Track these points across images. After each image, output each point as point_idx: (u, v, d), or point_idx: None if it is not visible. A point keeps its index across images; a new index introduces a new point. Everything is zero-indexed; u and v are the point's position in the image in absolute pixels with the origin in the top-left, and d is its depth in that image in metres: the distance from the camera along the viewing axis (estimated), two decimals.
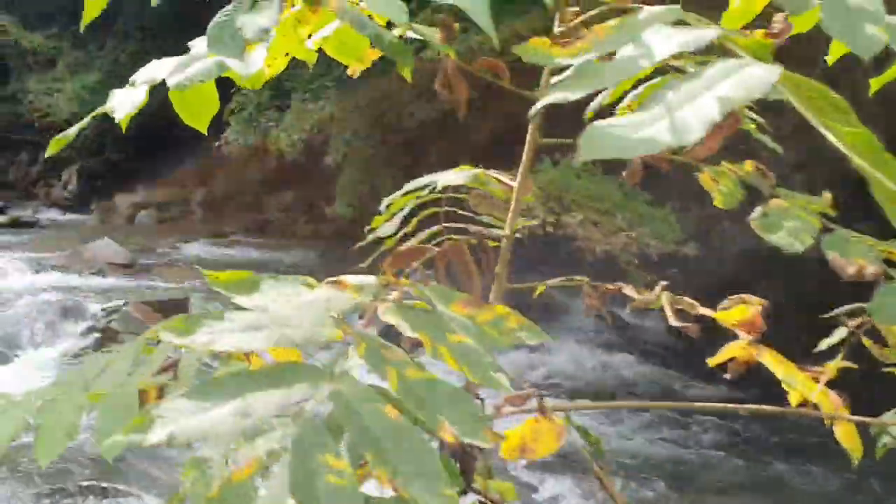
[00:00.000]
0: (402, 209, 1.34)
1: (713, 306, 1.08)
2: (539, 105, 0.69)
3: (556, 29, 0.99)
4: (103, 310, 6.75)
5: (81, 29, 1.08)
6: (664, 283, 1.13)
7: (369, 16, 0.86)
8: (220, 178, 13.26)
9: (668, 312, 1.13)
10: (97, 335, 6.24)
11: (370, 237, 1.30)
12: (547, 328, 0.80)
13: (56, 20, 16.75)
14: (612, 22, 0.79)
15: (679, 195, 4.44)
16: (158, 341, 1.03)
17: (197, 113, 1.14)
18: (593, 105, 1.23)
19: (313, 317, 0.77)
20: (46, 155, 1.18)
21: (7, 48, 14.34)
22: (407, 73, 0.89)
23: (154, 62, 1.02)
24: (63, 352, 6.07)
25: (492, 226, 1.23)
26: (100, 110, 1.01)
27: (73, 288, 7.63)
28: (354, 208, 7.30)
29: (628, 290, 1.17)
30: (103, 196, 13.33)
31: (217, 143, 9.03)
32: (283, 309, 0.80)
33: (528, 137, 1.11)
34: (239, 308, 0.83)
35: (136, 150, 14.02)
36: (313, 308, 0.79)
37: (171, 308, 6.84)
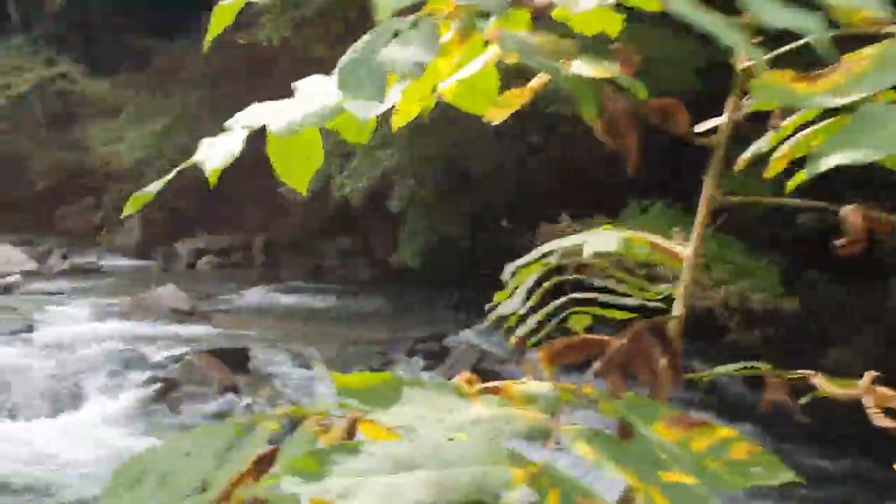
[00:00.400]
0: (528, 279, 1.14)
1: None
2: (820, 167, 0.49)
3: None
4: (165, 359, 6.68)
5: (205, 49, 0.91)
6: (874, 373, 0.91)
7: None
8: (279, 224, 13.29)
9: (873, 411, 0.90)
10: (159, 385, 6.15)
11: (492, 316, 1.11)
12: None
13: (120, 68, 17.22)
14: (867, 51, 0.60)
15: (770, 244, 4.18)
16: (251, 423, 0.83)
17: (297, 167, 0.95)
18: (749, 153, 1.03)
19: (480, 448, 0.57)
20: (125, 213, 1.00)
21: (71, 95, 14.75)
22: (591, 115, 0.70)
23: (255, 105, 0.86)
24: (126, 402, 5.99)
25: (626, 294, 1.04)
26: (188, 163, 0.85)
27: (135, 336, 7.59)
28: (422, 257, 7.14)
29: (819, 381, 0.95)
30: (165, 242, 13.46)
31: (279, 189, 8.99)
32: (436, 431, 0.61)
33: (705, 191, 0.90)
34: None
35: (198, 197, 14.19)
36: (478, 432, 0.60)
37: (232, 357, 6.76)
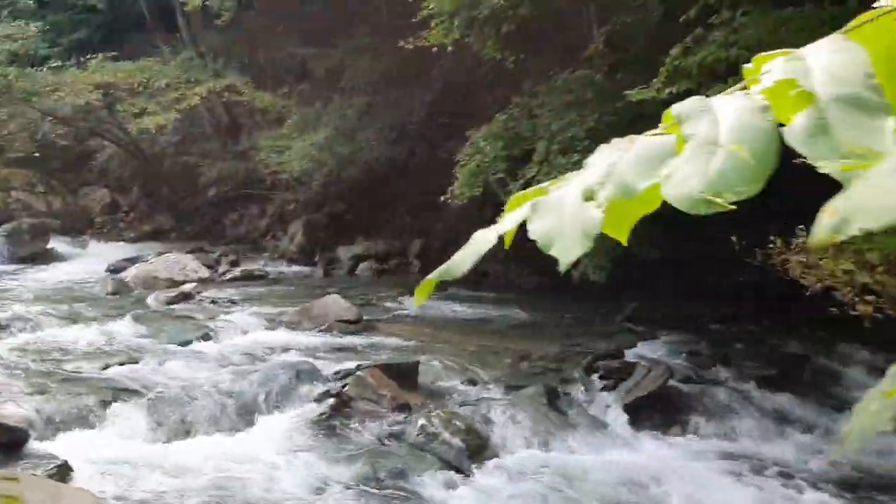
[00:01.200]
0: None
1: None
2: None
3: None
4: (335, 373, 6.53)
5: None
6: None
7: None
8: (437, 229, 13.12)
9: None
10: (332, 401, 5.98)
11: None
12: None
13: (281, 78, 17.67)
14: None
15: None
16: None
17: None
18: None
19: None
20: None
21: (238, 106, 15.22)
22: None
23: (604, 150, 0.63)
24: (298, 418, 5.85)
25: None
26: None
27: (305, 347, 7.53)
28: (607, 271, 6.65)
29: None
30: (326, 248, 13.60)
31: (442, 198, 8.73)
32: None
33: None
34: None
35: (356, 203, 14.29)
36: None
37: (401, 372, 6.52)
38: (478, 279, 11.49)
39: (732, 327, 8.51)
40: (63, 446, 5.17)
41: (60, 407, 5.72)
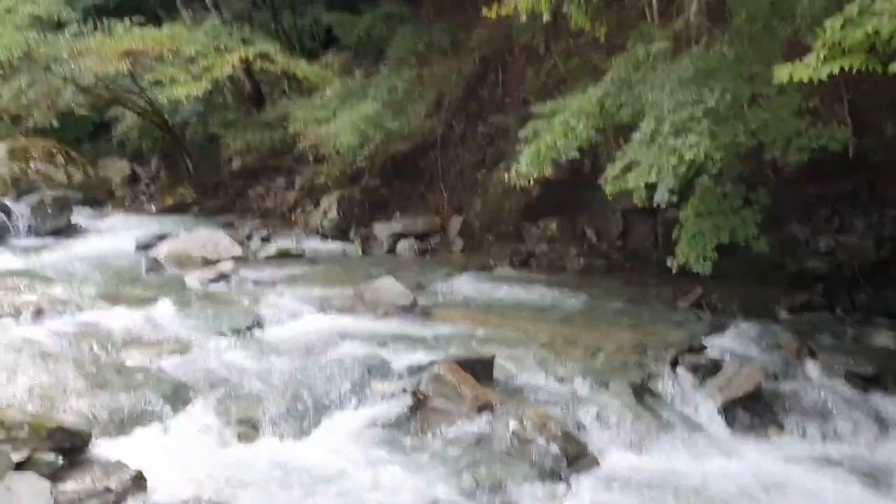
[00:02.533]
0: None
1: None
2: None
3: None
4: (407, 368, 6.12)
5: None
6: None
7: None
8: (476, 206, 12.66)
9: None
10: (408, 400, 5.57)
11: None
12: None
13: (307, 44, 17.07)
14: None
15: None
16: None
17: None
18: None
19: None
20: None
21: (269, 75, 14.66)
22: None
23: None
24: (372, 418, 5.44)
25: None
26: None
27: (363, 335, 7.11)
28: (713, 262, 6.19)
29: None
30: (360, 224, 13.14)
31: (507, 175, 8.24)
32: None
33: None
34: None
35: (390, 178, 13.80)
36: None
37: (478, 367, 6.11)
38: (525, 259, 11.09)
39: (808, 316, 8.08)
40: (129, 450, 4.77)
41: (120, 403, 5.32)
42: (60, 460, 4.45)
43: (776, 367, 6.52)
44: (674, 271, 6.39)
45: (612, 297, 8.84)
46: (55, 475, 4.34)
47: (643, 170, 5.65)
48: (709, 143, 5.14)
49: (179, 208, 15.64)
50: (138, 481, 4.36)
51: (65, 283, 8.92)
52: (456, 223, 12.59)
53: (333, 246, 12.60)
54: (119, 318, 7.54)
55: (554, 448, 4.92)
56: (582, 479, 4.78)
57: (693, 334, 7.28)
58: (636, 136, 5.94)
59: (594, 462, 4.96)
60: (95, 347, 6.55)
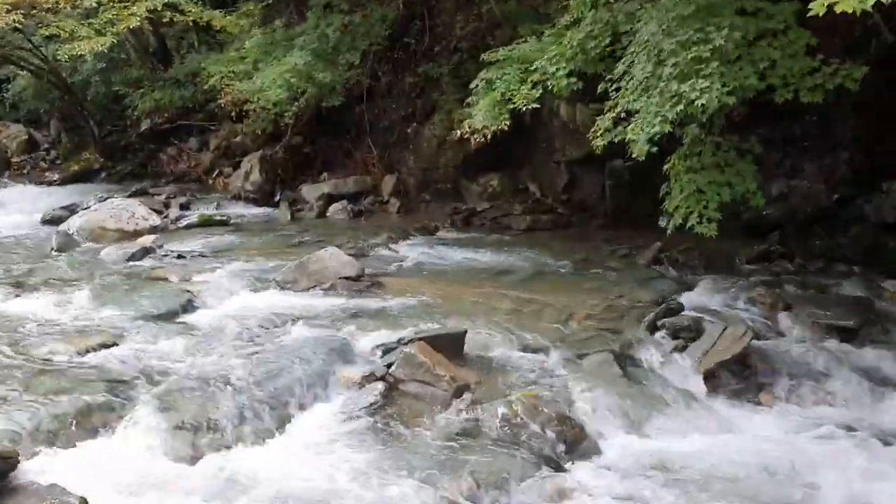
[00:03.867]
0: None
1: None
2: None
3: None
4: (373, 349, 5.55)
5: None
6: None
7: None
8: (409, 163, 12.06)
9: None
10: (379, 386, 5.02)
11: None
12: None
13: None
14: None
15: None
16: None
17: None
18: None
19: None
20: None
21: (179, 28, 13.56)
22: None
23: None
24: (342, 411, 4.87)
25: None
26: None
27: (314, 313, 6.50)
28: (717, 223, 5.74)
29: None
30: (286, 186, 12.37)
31: (459, 133, 7.65)
32: None
33: None
34: None
35: (314, 135, 13.00)
36: None
37: (448, 344, 5.59)
38: (466, 218, 10.61)
39: (772, 267, 7.87)
40: (66, 470, 4.07)
41: (49, 412, 4.57)
42: None
43: (755, 325, 6.24)
44: (668, 232, 5.98)
45: (567, 255, 8.44)
46: None
47: (644, 119, 5.12)
48: (719, 88, 4.68)
49: (85, 175, 14.48)
50: None
51: None
52: (389, 182, 11.98)
53: (259, 211, 11.84)
54: (33, 307, 6.72)
55: (550, 434, 4.49)
56: (584, 467, 4.35)
57: (662, 293, 6.95)
58: (628, 82, 5.43)
59: (594, 447, 4.55)
60: (9, 344, 5.73)
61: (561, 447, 4.44)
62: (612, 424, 4.82)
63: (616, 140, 5.82)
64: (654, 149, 5.49)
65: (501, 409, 4.65)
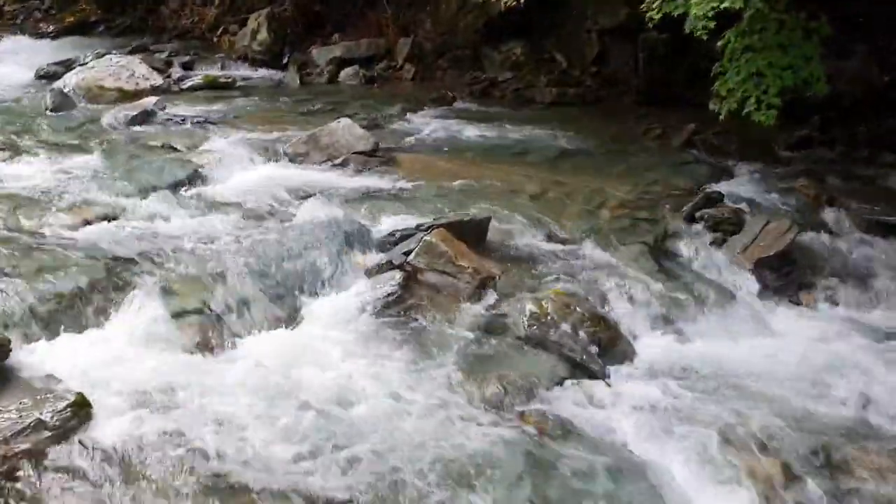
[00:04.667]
0: None
1: None
2: None
3: None
4: (389, 234, 5.17)
5: None
6: None
7: None
8: (426, 25, 11.28)
9: None
10: (397, 276, 4.66)
11: None
12: None
13: None
14: None
15: None
16: None
17: None
18: None
19: None
20: None
21: None
22: None
23: None
24: (357, 301, 4.53)
25: None
26: None
27: (325, 190, 6.08)
28: (777, 110, 5.19)
29: None
30: (295, 48, 11.65)
31: None
32: None
33: None
34: None
35: None
36: None
37: (470, 231, 5.20)
38: (485, 89, 9.98)
39: (813, 154, 7.36)
40: (61, 360, 3.78)
41: (44, 292, 4.23)
42: None
43: (795, 218, 5.82)
44: (721, 117, 5.44)
45: (595, 134, 7.92)
46: None
47: None
48: None
49: (81, 28, 13.69)
50: (79, 409, 3.40)
51: None
52: (404, 46, 11.24)
53: (266, 73, 11.19)
54: (26, 174, 6.32)
55: (582, 334, 4.16)
56: (619, 373, 4.05)
57: (697, 180, 6.51)
58: None
59: (629, 350, 4.23)
60: (1, 214, 5.34)
61: (594, 349, 4.13)
62: (647, 324, 4.51)
63: (675, 13, 5.18)
64: (713, 24, 4.91)
65: (529, 307, 4.31)
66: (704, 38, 5.01)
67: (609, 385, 3.93)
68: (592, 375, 3.98)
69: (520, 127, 8.19)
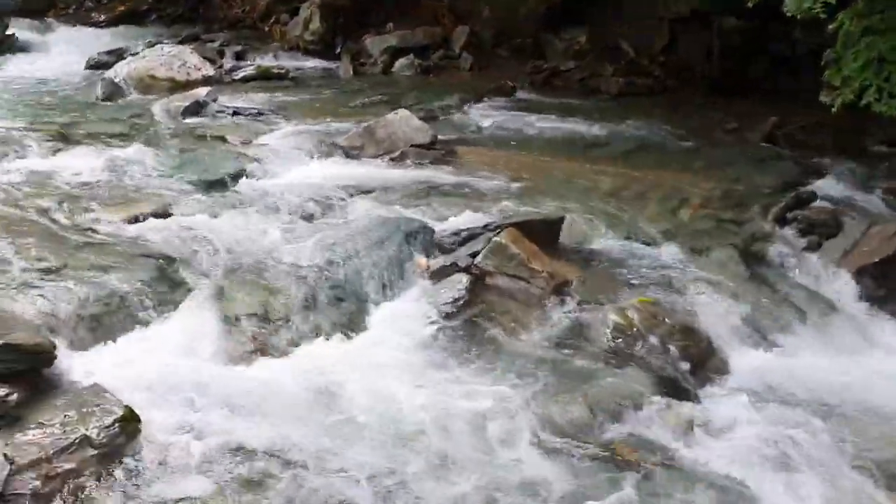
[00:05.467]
0: None
1: None
2: None
3: None
4: (454, 234, 4.81)
5: None
6: None
7: None
8: (484, 13, 10.89)
9: None
10: (465, 280, 4.30)
11: None
12: None
13: None
14: None
15: None
16: None
17: None
18: None
19: None
20: None
21: None
22: None
23: None
24: (421, 307, 4.19)
25: None
26: None
27: (383, 185, 5.75)
28: (894, 97, 4.70)
29: None
30: (348, 37, 11.34)
31: None
32: None
33: None
34: None
35: None
36: None
37: (541, 231, 4.82)
38: (547, 79, 9.56)
39: None
40: (108, 369, 3.50)
41: (92, 294, 3.95)
42: (14, 395, 3.19)
43: None
44: (833, 109, 4.97)
45: (667, 127, 7.47)
46: (5, 421, 3.09)
47: None
48: None
49: (132, 18, 13.53)
50: (127, 425, 3.12)
51: (4, 115, 7.32)
52: (460, 34, 10.87)
53: (318, 63, 10.87)
54: (76, 165, 6.04)
55: (672, 349, 3.76)
56: (712, 393, 3.64)
57: (784, 178, 6.03)
58: None
59: (722, 366, 3.82)
60: (48, 209, 5.10)
61: (685, 366, 3.73)
62: (740, 337, 4.09)
63: None
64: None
65: (613, 317, 3.92)
66: (823, 16, 4.51)
67: (704, 407, 3.52)
68: (684, 396, 3.58)
69: (586, 119, 7.77)
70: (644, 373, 3.66)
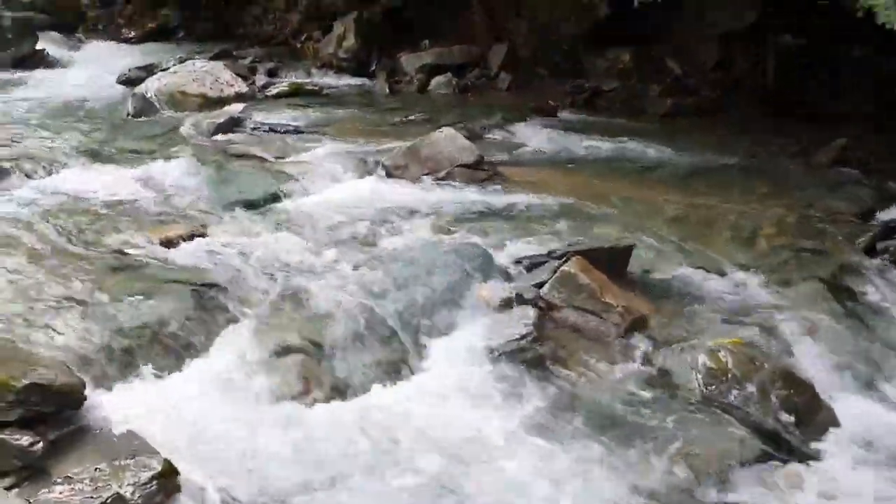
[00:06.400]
0: None
1: None
2: None
3: None
4: (516, 262, 4.42)
5: None
6: None
7: None
8: (522, 30, 10.56)
9: None
10: (531, 314, 3.91)
11: None
12: None
13: None
14: None
15: None
16: None
17: None
18: None
19: None
20: None
21: None
22: None
23: None
24: (482, 344, 3.79)
25: None
26: None
27: (431, 209, 5.38)
28: None
29: None
30: (383, 55, 11.04)
31: None
32: None
33: None
34: None
35: None
36: None
37: (609, 260, 4.42)
38: (589, 99, 9.19)
39: None
40: (142, 413, 3.13)
41: (120, 327, 3.60)
42: (39, 444, 2.83)
43: None
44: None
45: (724, 149, 7.05)
46: (29, 473, 2.72)
47: None
48: None
49: (162, 34, 13.35)
50: (166, 481, 2.73)
51: (31, 131, 7.04)
52: (498, 53, 10.53)
53: (353, 81, 10.56)
54: (107, 183, 5.72)
55: (774, 398, 3.33)
56: (824, 451, 3.21)
57: (861, 204, 5.60)
58: None
59: (830, 417, 3.39)
60: (78, 230, 4.77)
61: (789, 417, 3.30)
62: (845, 385, 3.66)
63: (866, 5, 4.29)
64: None
65: (704, 359, 3.50)
66: None
67: (817, 467, 3.09)
68: (791, 453, 3.15)
69: (636, 139, 7.37)
70: (743, 426, 3.24)
